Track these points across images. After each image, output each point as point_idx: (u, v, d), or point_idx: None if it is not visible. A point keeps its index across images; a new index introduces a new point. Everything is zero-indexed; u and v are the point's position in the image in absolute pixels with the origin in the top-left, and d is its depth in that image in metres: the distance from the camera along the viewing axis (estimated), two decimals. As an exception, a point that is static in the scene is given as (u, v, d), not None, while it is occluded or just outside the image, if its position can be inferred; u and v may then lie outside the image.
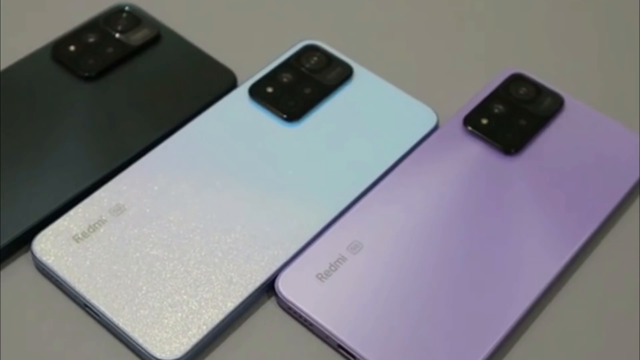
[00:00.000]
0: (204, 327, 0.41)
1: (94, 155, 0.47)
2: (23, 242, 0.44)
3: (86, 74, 0.50)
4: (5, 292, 0.43)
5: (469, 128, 0.49)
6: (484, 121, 0.50)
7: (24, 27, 0.55)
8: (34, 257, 0.43)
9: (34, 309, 0.43)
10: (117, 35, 0.52)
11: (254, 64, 0.52)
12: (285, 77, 0.51)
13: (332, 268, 0.44)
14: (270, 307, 0.44)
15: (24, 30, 0.54)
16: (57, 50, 0.51)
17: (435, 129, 0.50)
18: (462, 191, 0.47)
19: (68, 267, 0.43)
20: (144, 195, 0.45)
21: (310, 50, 0.52)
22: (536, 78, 0.52)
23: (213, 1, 0.58)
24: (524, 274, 0.44)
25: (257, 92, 0.50)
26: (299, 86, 0.51)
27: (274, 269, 0.44)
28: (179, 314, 0.42)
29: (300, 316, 0.43)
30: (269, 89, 0.50)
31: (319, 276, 0.43)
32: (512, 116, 0.50)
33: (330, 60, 0.52)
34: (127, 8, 0.53)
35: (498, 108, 0.50)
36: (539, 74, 0.52)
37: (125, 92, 0.50)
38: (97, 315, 0.42)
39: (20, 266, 0.44)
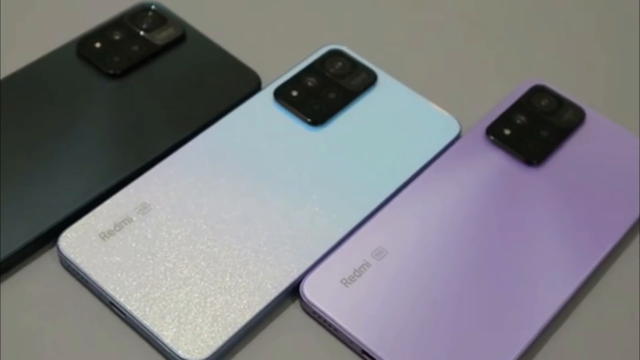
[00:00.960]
0: (230, 329, 0.42)
1: (119, 153, 0.47)
2: (48, 238, 0.44)
3: (111, 72, 0.50)
4: (31, 288, 0.43)
5: (492, 137, 0.50)
6: (507, 131, 0.50)
7: (48, 23, 0.54)
8: (60, 254, 0.43)
9: (59, 306, 0.43)
10: (143, 33, 0.52)
11: (276, 67, 0.53)
12: (310, 81, 0.51)
13: (357, 273, 0.44)
14: (294, 310, 0.44)
15: (47, 26, 0.54)
16: (83, 46, 0.51)
17: (457, 137, 0.50)
18: (484, 200, 0.48)
19: (94, 265, 0.43)
20: (170, 195, 0.46)
21: (334, 55, 0.53)
22: (558, 90, 0.52)
23: (236, 2, 0.58)
24: (544, 285, 0.45)
25: (282, 95, 0.50)
26: (324, 91, 0.51)
27: (298, 273, 0.44)
28: (205, 315, 0.42)
29: (325, 321, 0.43)
30: (294, 93, 0.51)
31: (344, 281, 0.44)
32: (534, 127, 0.50)
33: (354, 66, 0.52)
34: (153, 7, 0.53)
35: (520, 119, 0.51)
36: (560, 85, 0.53)
37: (150, 90, 0.50)
38: (123, 313, 0.42)
39: (45, 262, 0.44)
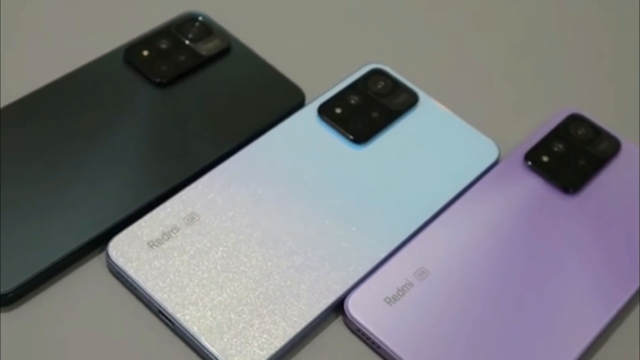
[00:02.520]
0: (277, 343, 0.42)
1: (165, 163, 0.48)
2: (96, 244, 0.45)
3: (158, 80, 0.51)
4: (78, 292, 0.43)
5: (530, 163, 0.51)
6: (545, 158, 0.51)
7: (94, 29, 0.55)
8: (109, 260, 0.44)
9: (106, 312, 0.43)
10: (189, 43, 0.53)
11: (316, 83, 0.53)
12: (353, 99, 0.52)
13: (400, 293, 0.45)
14: (337, 326, 0.45)
15: (94, 32, 0.54)
16: (131, 53, 0.51)
17: (496, 162, 0.51)
18: (521, 225, 0.49)
19: (143, 273, 0.43)
20: (217, 206, 0.46)
21: (376, 74, 0.53)
22: (593, 119, 0.54)
23: (277, 16, 0.58)
24: (579, 313, 0.46)
25: (326, 112, 0.51)
26: (367, 109, 0.52)
27: (342, 290, 0.44)
28: (253, 328, 0.42)
29: (369, 338, 0.44)
30: (338, 110, 0.51)
31: (387, 300, 0.44)
32: (571, 156, 0.51)
33: (396, 86, 0.53)
34: (200, 18, 0.54)
35: (558, 147, 0.52)
36: (595, 114, 0.54)
37: (196, 101, 0.51)
38: (171, 322, 0.42)
39: (93, 267, 0.44)
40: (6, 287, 0.42)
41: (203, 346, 0.42)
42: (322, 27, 0.58)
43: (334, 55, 0.57)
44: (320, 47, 0.57)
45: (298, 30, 0.58)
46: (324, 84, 0.53)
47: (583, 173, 0.51)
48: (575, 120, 0.53)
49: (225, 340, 0.42)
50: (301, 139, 0.50)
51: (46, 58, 0.52)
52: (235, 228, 0.46)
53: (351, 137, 0.50)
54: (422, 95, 0.53)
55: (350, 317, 0.44)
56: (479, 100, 0.56)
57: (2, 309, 0.42)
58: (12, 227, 0.43)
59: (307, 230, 0.46)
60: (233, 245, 0.45)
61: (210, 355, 0.41)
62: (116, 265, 0.43)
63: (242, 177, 0.48)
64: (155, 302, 0.43)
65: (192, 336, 0.42)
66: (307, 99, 0.52)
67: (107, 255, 0.44)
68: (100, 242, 0.45)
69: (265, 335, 0.42)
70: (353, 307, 0.44)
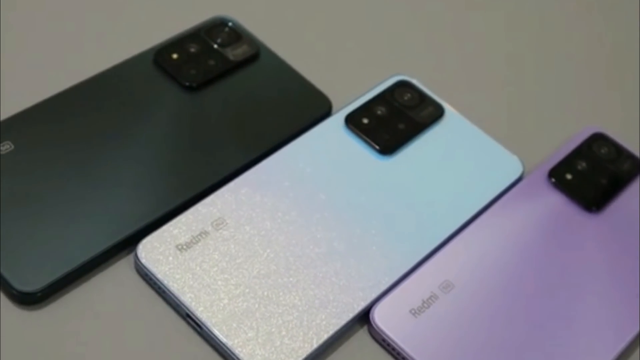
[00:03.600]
0: (302, 352, 0.42)
1: (193, 167, 0.48)
2: (124, 246, 0.45)
3: (187, 83, 0.51)
4: (106, 293, 0.44)
5: (553, 180, 0.51)
6: (568, 176, 0.51)
7: (122, 31, 0.55)
8: (138, 262, 0.44)
9: (133, 313, 0.43)
10: (218, 48, 0.53)
11: (341, 92, 0.53)
12: (380, 110, 0.52)
13: (425, 305, 0.45)
14: (361, 336, 0.45)
15: (121, 34, 0.55)
16: (160, 56, 0.52)
17: (520, 178, 0.51)
18: (544, 241, 0.49)
19: (172, 276, 0.43)
20: (244, 212, 0.46)
21: (403, 86, 0.54)
22: (615, 139, 0.54)
23: (304, 23, 0.59)
24: (599, 332, 0.46)
25: (353, 122, 0.51)
26: (393, 120, 0.52)
27: (368, 300, 0.45)
28: (280, 334, 0.42)
29: (394, 349, 0.44)
30: (365, 120, 0.52)
31: (413, 311, 0.45)
32: (594, 174, 0.52)
33: (422, 98, 0.53)
34: (230, 23, 0.54)
35: (581, 165, 0.52)
36: (617, 133, 0.55)
37: (223, 106, 0.51)
38: (199, 326, 0.42)
39: (120, 269, 0.44)
40: (35, 286, 0.42)
41: (231, 351, 0.42)
42: (348, 36, 0.59)
43: (359, 65, 0.57)
44: (346, 56, 0.57)
45: (324, 38, 0.58)
46: (347, 93, 0.53)
47: (606, 192, 0.51)
48: (598, 140, 0.54)
49: (252, 346, 0.42)
50: (328, 147, 0.50)
51: (76, 58, 0.52)
52: (262, 235, 0.46)
53: (378, 147, 0.51)
54: (448, 109, 0.53)
55: (376, 327, 0.44)
56: (502, 116, 0.56)
57: (30, 307, 0.42)
58: (42, 227, 0.43)
59: (333, 240, 0.46)
60: (260, 252, 0.45)
61: (237, 360, 0.42)
62: (145, 267, 0.43)
63: (270, 184, 0.48)
64: (184, 305, 0.43)
65: (220, 341, 0.42)
66: (334, 109, 0.52)
67: (136, 257, 0.44)
68: (127, 244, 0.45)
69: (291, 343, 0.42)
70: (379, 317, 0.44)
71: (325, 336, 0.43)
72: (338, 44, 0.58)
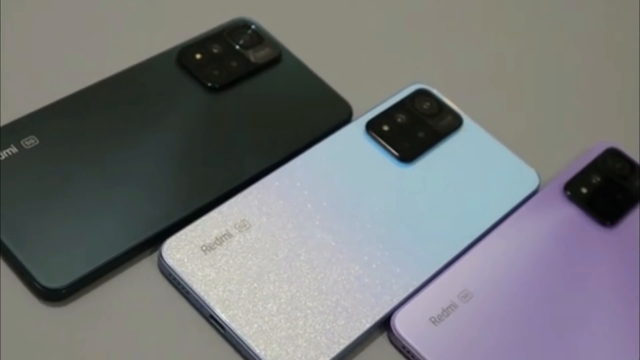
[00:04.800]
0: (323, 356, 0.43)
1: (216, 168, 0.48)
2: (147, 245, 0.45)
3: (210, 84, 0.51)
4: (129, 293, 0.43)
5: (569, 194, 0.52)
6: (584, 190, 0.52)
7: (143, 30, 0.55)
8: (162, 262, 0.44)
9: (156, 313, 0.43)
10: (241, 50, 0.53)
11: (360, 98, 0.54)
12: (400, 118, 0.53)
13: (445, 313, 0.45)
14: (381, 342, 0.45)
15: (142, 33, 0.55)
16: (184, 56, 0.52)
17: (536, 190, 0.52)
18: (559, 253, 0.50)
19: (197, 277, 0.43)
20: (266, 216, 0.46)
21: (422, 94, 0.54)
22: (629, 155, 0.55)
23: (323, 28, 0.59)
24: (613, 344, 0.47)
25: (374, 129, 0.52)
26: (413, 128, 0.52)
27: (390, 307, 0.45)
28: (303, 338, 0.43)
29: (414, 356, 0.44)
30: (385, 127, 0.52)
31: (432, 319, 0.45)
32: (609, 190, 0.53)
33: (441, 108, 0.54)
34: (253, 26, 0.54)
35: (596, 179, 0.53)
36: (630, 149, 0.55)
37: (245, 108, 0.51)
38: (223, 328, 0.43)
39: (143, 268, 0.44)
40: (60, 282, 0.42)
41: (254, 353, 0.42)
42: (369, 43, 0.59)
43: (378, 72, 0.57)
44: (365, 62, 0.58)
45: (345, 44, 0.58)
46: (366, 100, 0.54)
47: (620, 207, 0.52)
48: (612, 155, 0.55)
49: (275, 349, 0.42)
50: (349, 153, 0.51)
51: (100, 55, 0.52)
52: (283, 238, 0.46)
53: (397, 154, 0.51)
54: (466, 119, 0.54)
55: (396, 334, 0.44)
56: (518, 128, 0.57)
57: (54, 304, 0.42)
58: (68, 224, 0.43)
59: (353, 246, 0.47)
60: (282, 256, 0.45)
61: (261, 363, 0.42)
62: (169, 266, 0.44)
63: (292, 187, 0.48)
64: (208, 306, 0.43)
65: (244, 343, 0.42)
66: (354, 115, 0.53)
67: (160, 257, 0.44)
68: (151, 244, 0.45)
69: (313, 347, 0.43)
70: (400, 324, 0.45)
71: (347, 342, 0.43)
72: (358, 50, 0.58)
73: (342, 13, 0.60)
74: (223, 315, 0.43)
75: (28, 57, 0.51)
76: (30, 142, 0.46)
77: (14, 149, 0.45)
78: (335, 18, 0.60)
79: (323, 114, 0.52)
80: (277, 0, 0.59)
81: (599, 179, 0.53)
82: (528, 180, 0.52)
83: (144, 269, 0.44)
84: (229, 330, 0.42)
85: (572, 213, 0.51)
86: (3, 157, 0.45)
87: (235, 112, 0.51)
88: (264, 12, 0.56)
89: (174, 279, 0.44)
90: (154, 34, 0.54)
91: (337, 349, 0.43)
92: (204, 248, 0.45)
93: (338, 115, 0.52)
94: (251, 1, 0.57)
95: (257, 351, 0.42)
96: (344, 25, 0.59)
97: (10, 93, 0.48)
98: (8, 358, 0.40)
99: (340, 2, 0.61)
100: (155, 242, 0.45)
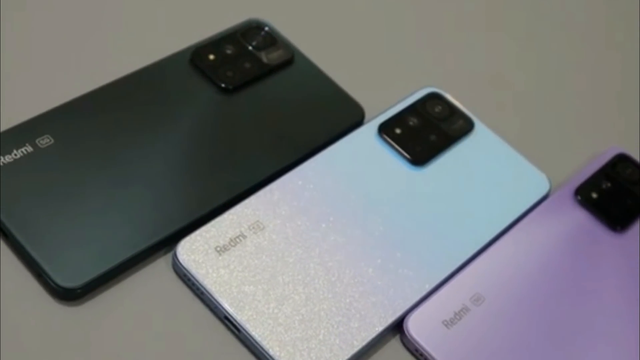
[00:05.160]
0: (338, 358, 0.43)
1: (229, 170, 0.48)
2: (162, 246, 0.45)
3: (223, 85, 0.51)
4: (143, 292, 0.44)
5: (579, 198, 0.52)
6: (594, 195, 0.52)
7: (157, 30, 0.55)
8: (177, 262, 0.44)
9: (170, 313, 0.43)
10: (254, 51, 0.53)
11: (372, 101, 0.54)
12: (412, 121, 0.53)
13: (457, 317, 0.46)
14: (394, 344, 0.45)
15: (156, 33, 0.55)
16: (197, 56, 0.52)
17: (547, 195, 0.52)
18: (570, 257, 0.50)
19: (211, 278, 0.44)
20: (279, 218, 0.47)
21: (434, 98, 0.54)
22: (638, 161, 0.55)
23: (336, 30, 0.59)
24: (624, 347, 0.47)
25: (386, 131, 0.52)
26: (425, 132, 0.53)
27: (402, 310, 0.45)
28: (317, 341, 0.43)
29: (426, 359, 0.44)
30: (397, 130, 0.52)
31: (445, 323, 0.45)
32: (619, 195, 0.53)
33: (453, 111, 0.54)
34: (266, 27, 0.54)
35: (606, 185, 0.53)
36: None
37: (258, 109, 0.51)
38: (237, 329, 0.43)
39: (158, 268, 0.45)
40: (75, 282, 0.42)
41: (269, 355, 0.42)
42: (381, 46, 0.59)
43: (390, 75, 0.57)
44: (377, 65, 0.58)
45: (357, 46, 0.58)
46: (377, 102, 0.54)
47: (630, 213, 0.52)
48: (622, 160, 0.55)
49: (289, 350, 0.42)
50: (361, 155, 0.51)
51: (114, 55, 0.52)
52: (297, 240, 0.46)
53: (410, 157, 0.51)
54: (477, 123, 0.54)
55: (409, 337, 0.45)
56: (528, 132, 0.57)
57: (69, 303, 0.42)
58: (83, 224, 0.43)
59: (366, 249, 0.47)
60: (296, 258, 0.45)
61: (275, 364, 0.42)
62: (184, 267, 0.44)
63: (305, 189, 0.48)
64: (223, 307, 0.43)
65: (258, 344, 0.42)
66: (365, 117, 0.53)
67: (175, 257, 0.44)
68: (166, 244, 0.45)
69: (327, 349, 0.43)
70: (413, 327, 0.45)
71: (361, 344, 0.43)
72: (371, 52, 0.58)
73: (354, 15, 0.60)
74: (237, 317, 0.43)
75: (43, 57, 0.51)
76: (45, 141, 0.46)
77: (29, 148, 0.45)
78: (348, 20, 0.60)
79: (335, 116, 0.52)
80: (290, 2, 0.59)
81: (609, 184, 0.53)
82: (539, 184, 0.53)
83: (158, 269, 0.45)
84: (244, 332, 0.43)
85: (582, 218, 0.52)
86: (19, 156, 0.45)
87: (248, 113, 0.51)
88: (277, 13, 0.56)
89: (189, 279, 0.44)
90: (167, 34, 0.54)
91: (351, 351, 0.43)
92: (219, 249, 0.45)
93: (350, 117, 0.53)
94: (264, 2, 0.57)
95: (272, 352, 0.42)
96: (357, 27, 0.60)
97: (25, 92, 0.48)
98: (23, 357, 0.40)
99: (353, 4, 0.61)
100: (169, 242, 0.45)
